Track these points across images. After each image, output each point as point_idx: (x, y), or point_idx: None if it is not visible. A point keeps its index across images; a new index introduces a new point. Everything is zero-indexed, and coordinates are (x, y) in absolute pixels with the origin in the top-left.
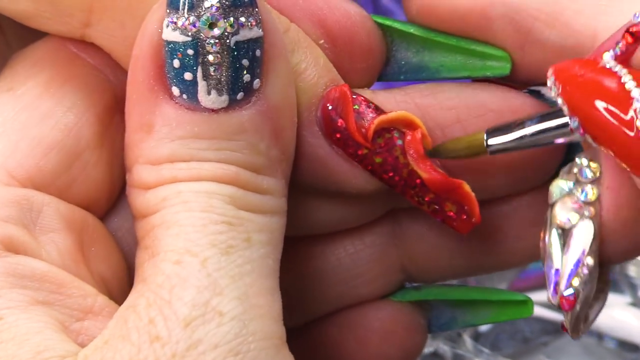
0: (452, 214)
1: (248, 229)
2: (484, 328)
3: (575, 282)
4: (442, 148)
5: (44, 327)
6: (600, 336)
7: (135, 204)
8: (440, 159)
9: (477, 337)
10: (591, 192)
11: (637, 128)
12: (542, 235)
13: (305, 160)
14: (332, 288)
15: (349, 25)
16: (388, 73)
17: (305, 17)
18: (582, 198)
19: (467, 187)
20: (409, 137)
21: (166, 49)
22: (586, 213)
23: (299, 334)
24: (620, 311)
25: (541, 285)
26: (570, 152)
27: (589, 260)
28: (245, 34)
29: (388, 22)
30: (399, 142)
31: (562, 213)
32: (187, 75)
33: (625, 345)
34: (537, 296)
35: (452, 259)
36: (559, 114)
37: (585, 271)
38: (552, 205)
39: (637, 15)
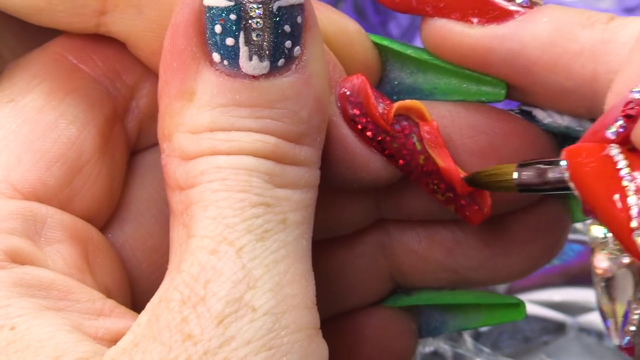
0: (464, 202)
1: (285, 209)
2: (484, 327)
3: (629, 330)
4: (473, 181)
5: (56, 331)
6: (600, 335)
7: (175, 174)
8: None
9: (477, 337)
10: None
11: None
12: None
13: (325, 140)
14: (323, 297)
15: (345, 40)
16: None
17: None
18: (616, 246)
19: None
20: (426, 127)
21: (207, 14)
22: (623, 261)
23: None
24: None
25: (541, 284)
26: None
27: (637, 310)
28: (287, 0)
29: (385, 42)
30: (415, 129)
31: (600, 263)
32: (229, 41)
33: None
34: (538, 295)
35: (439, 271)
36: None
37: (636, 318)
38: (592, 251)
39: (635, 91)
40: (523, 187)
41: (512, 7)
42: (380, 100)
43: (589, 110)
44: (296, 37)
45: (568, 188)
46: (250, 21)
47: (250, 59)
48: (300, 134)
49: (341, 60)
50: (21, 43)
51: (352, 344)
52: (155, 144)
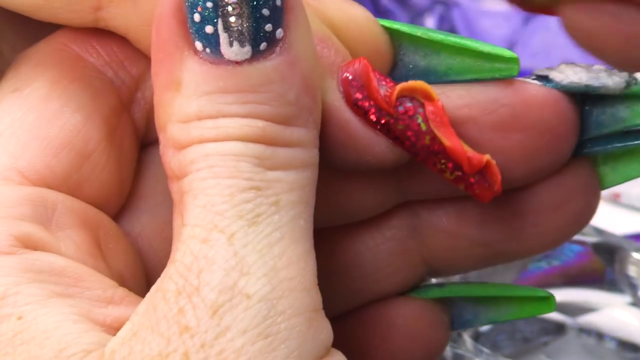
0: (473, 180)
1: (277, 191)
2: (484, 328)
3: None
4: None
5: (62, 320)
6: (600, 336)
7: (171, 164)
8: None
9: (477, 337)
10: None
11: None
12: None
13: (328, 126)
14: (353, 283)
15: (355, 27)
16: (396, 77)
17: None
18: None
19: (488, 158)
20: (431, 107)
21: (187, 4)
22: None
23: None
24: (621, 311)
25: (542, 285)
26: (583, 133)
27: None
28: None
29: (396, 26)
30: (420, 109)
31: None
32: (208, 29)
33: (625, 345)
34: None
35: (471, 248)
36: None
37: None
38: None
39: None
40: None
41: None
42: (383, 83)
43: None
44: (276, 19)
45: None
46: (226, 7)
47: (231, 45)
48: (288, 115)
49: (351, 47)
50: (21, 40)
51: (384, 334)
52: None
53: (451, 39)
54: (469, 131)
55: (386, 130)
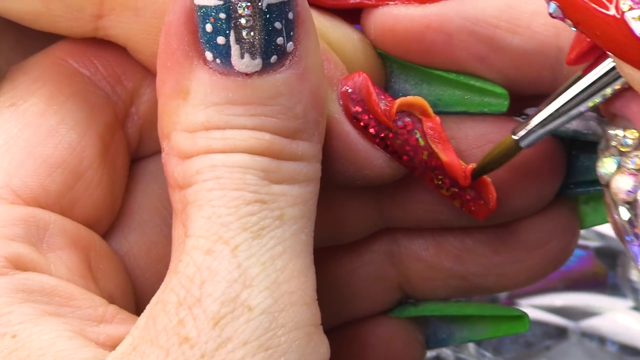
0: (469, 197)
1: (281, 205)
2: None
3: None
4: (480, 166)
5: (57, 337)
6: (602, 340)
7: (174, 173)
8: (485, 175)
9: (479, 342)
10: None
11: (618, 7)
12: (609, 216)
13: (327, 138)
14: (330, 306)
15: (351, 47)
16: None
17: None
18: (634, 166)
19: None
20: (429, 123)
21: (199, 13)
22: None
23: None
24: (623, 315)
25: (543, 289)
26: (568, 176)
27: None
28: None
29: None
30: (418, 125)
31: (621, 189)
32: (220, 40)
33: (627, 350)
34: (540, 300)
35: (448, 279)
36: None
37: None
38: (607, 185)
39: None
40: (523, 139)
41: None
42: (383, 97)
43: (553, 71)
44: (288, 33)
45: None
46: (239, 20)
47: (242, 57)
48: (295, 129)
49: (346, 66)
50: (15, 52)
51: (358, 354)
52: (156, 152)
53: (443, 72)
54: None
55: (384, 144)
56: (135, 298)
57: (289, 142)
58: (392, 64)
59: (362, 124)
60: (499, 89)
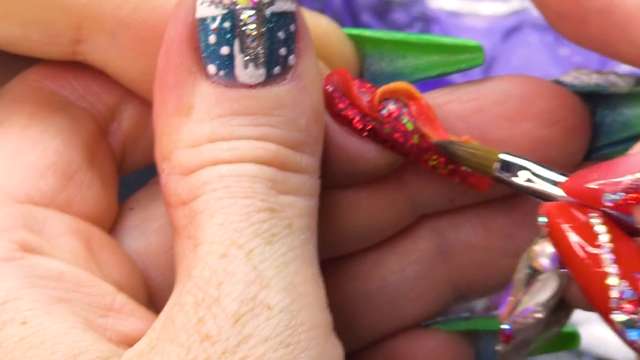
0: (467, 172)
1: (289, 214)
2: None
3: (517, 324)
4: (451, 145)
5: (71, 327)
6: (579, 354)
7: (177, 190)
8: (446, 155)
9: None
10: None
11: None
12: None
13: None
14: (378, 310)
15: (322, 33)
16: None
17: None
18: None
19: (467, 138)
20: (414, 106)
21: (201, 27)
22: (562, 270)
23: None
24: (599, 328)
25: None
26: (594, 140)
27: (538, 314)
28: (280, 6)
29: (358, 32)
30: (404, 109)
31: (540, 257)
32: (224, 50)
33: None
34: None
35: (500, 260)
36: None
37: (530, 321)
38: (535, 242)
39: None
40: (499, 180)
41: None
42: (364, 89)
43: None
44: (290, 45)
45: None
46: (244, 27)
47: (246, 67)
48: (299, 141)
49: (320, 56)
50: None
51: None
52: (138, 169)
53: (414, 36)
54: (477, 121)
55: (373, 135)
56: (149, 293)
57: (294, 153)
58: (364, 45)
59: (347, 119)
60: (472, 43)
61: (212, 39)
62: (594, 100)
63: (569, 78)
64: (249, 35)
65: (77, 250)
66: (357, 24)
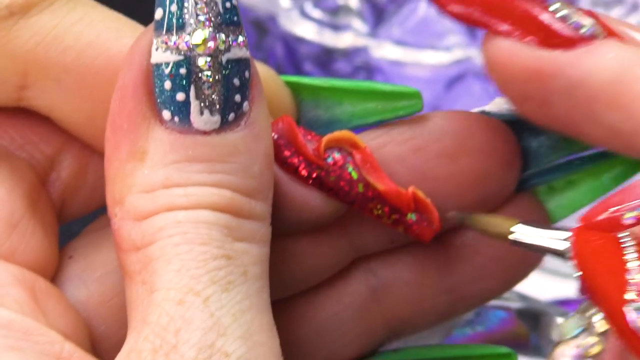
0: (411, 221)
1: (244, 262)
2: None
3: None
4: (470, 218)
5: None
6: None
7: (130, 236)
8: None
9: None
10: (596, 346)
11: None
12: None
13: None
14: (317, 353)
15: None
16: None
17: None
18: (583, 348)
19: (420, 195)
20: (359, 155)
21: (156, 72)
22: (592, 351)
23: None
24: None
25: None
26: (523, 168)
27: None
28: (236, 52)
29: (295, 79)
30: (349, 158)
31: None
32: (180, 96)
33: None
34: None
35: (436, 296)
36: None
37: None
38: (557, 345)
39: None
40: (515, 242)
41: (577, 36)
42: (309, 137)
43: None
44: (244, 92)
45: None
46: (200, 74)
47: (202, 113)
48: (253, 188)
49: None
50: None
51: None
52: (78, 217)
53: (351, 83)
54: (416, 162)
55: (319, 183)
56: (92, 342)
57: (248, 200)
58: (300, 92)
59: (292, 167)
60: (409, 89)
61: (168, 84)
62: (518, 127)
63: (495, 107)
64: (205, 82)
65: (23, 300)
66: (299, 73)
